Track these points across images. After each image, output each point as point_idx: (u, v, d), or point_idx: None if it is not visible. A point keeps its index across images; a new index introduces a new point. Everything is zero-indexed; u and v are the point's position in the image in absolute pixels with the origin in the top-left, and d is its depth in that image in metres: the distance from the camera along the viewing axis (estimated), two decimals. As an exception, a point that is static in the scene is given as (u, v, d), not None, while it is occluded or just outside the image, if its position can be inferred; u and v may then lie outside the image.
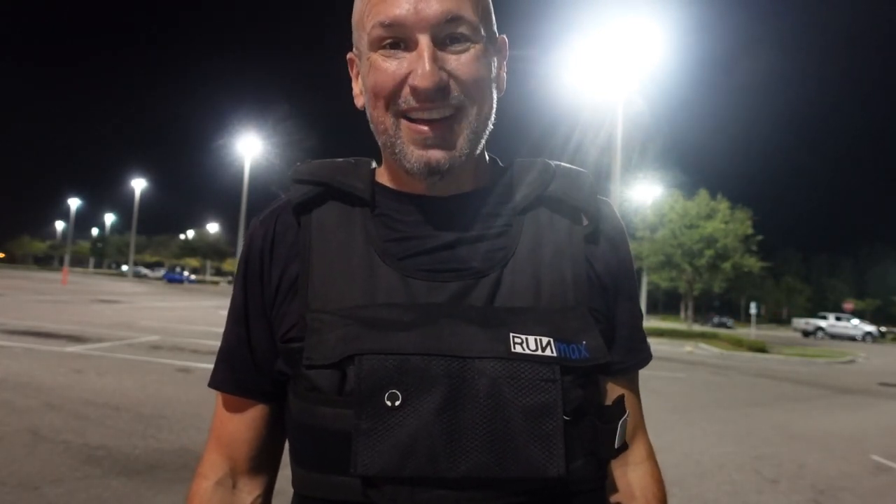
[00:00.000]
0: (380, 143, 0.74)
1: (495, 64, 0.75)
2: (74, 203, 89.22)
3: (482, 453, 0.62)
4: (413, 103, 0.68)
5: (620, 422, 0.71)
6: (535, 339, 0.66)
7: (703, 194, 29.72)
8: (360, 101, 0.77)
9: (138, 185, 64.82)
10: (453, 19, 0.67)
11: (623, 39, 17.36)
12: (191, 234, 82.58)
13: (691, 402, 8.76)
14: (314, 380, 0.66)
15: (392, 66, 0.68)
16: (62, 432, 4.50)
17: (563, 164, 0.80)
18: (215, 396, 0.83)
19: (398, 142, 0.70)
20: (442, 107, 0.68)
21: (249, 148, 39.45)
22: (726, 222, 28.84)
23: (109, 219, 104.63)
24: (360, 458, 0.61)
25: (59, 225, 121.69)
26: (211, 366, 0.83)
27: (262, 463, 0.82)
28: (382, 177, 0.79)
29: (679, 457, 5.26)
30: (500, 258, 0.72)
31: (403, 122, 0.69)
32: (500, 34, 0.78)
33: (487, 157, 0.80)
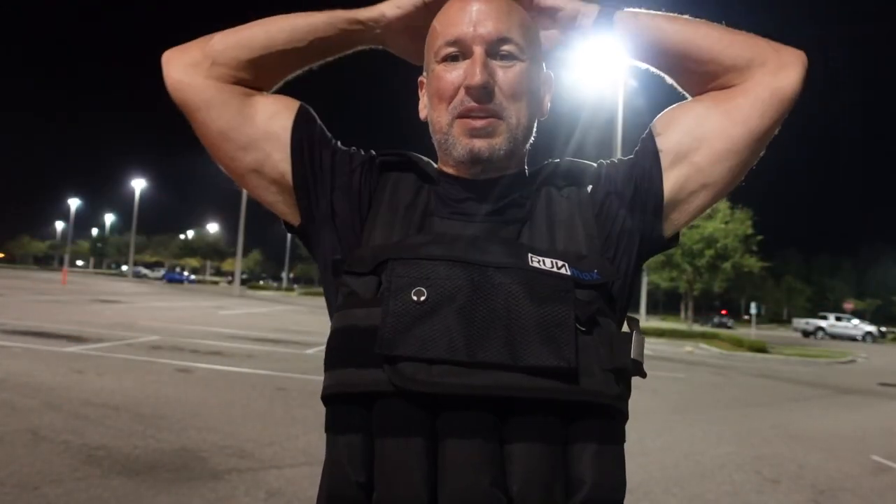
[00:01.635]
0: (435, 142, 0.88)
1: (540, 88, 0.90)
2: (74, 203, 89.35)
3: (497, 345, 0.69)
4: (468, 103, 0.81)
5: (634, 335, 0.75)
6: (552, 261, 0.75)
7: (703, 194, 29.69)
8: (423, 114, 0.92)
9: (138, 185, 64.82)
10: (503, 39, 0.82)
11: (623, 39, 17.32)
12: (191, 234, 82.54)
13: (691, 402, 8.76)
14: (352, 285, 0.76)
15: (452, 75, 0.83)
16: (62, 432, 4.50)
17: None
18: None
19: (450, 137, 0.84)
20: (487, 106, 0.81)
21: (249, 148, 39.34)
22: (726, 222, 28.81)
23: (109, 219, 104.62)
24: (385, 337, 0.69)
25: (59, 225, 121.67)
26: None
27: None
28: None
29: (679, 457, 5.26)
30: (521, 217, 0.85)
31: (457, 121, 0.83)
32: (547, 69, 0.94)
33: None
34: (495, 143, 0.82)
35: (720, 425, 6.92)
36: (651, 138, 0.88)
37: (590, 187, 0.88)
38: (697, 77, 0.89)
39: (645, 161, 0.87)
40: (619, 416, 0.74)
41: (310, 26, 0.89)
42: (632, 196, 0.86)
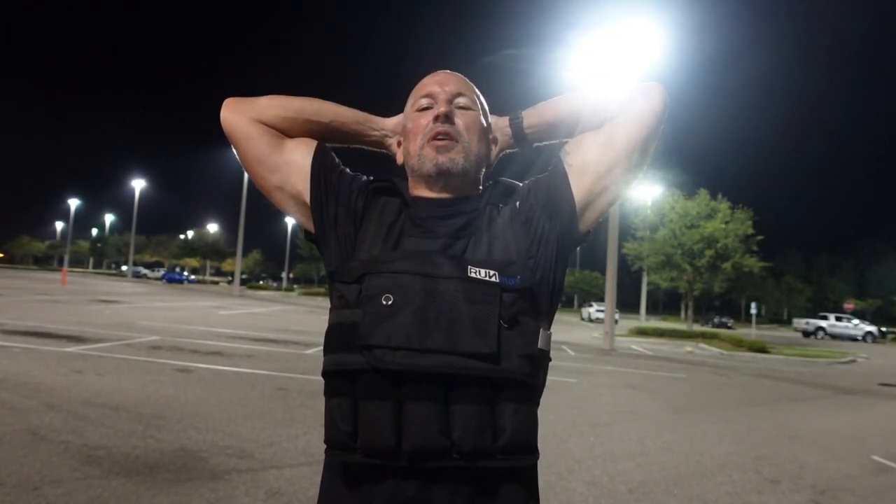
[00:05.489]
0: (409, 168, 1.15)
1: (488, 137, 1.18)
2: (74, 203, 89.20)
3: (441, 336, 0.93)
4: (435, 129, 1.09)
5: (541, 332, 1.00)
6: (486, 271, 0.98)
7: (703, 194, 29.63)
8: (400, 160, 1.20)
9: (138, 185, 64.67)
10: (460, 94, 1.15)
11: (623, 39, 17.35)
12: (190, 234, 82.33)
13: (691, 402, 8.76)
14: (343, 291, 1.01)
15: (424, 117, 1.13)
16: (62, 432, 4.49)
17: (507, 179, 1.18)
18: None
19: (421, 156, 1.10)
20: (449, 130, 1.10)
21: (249, 148, 39.27)
22: (727, 222, 28.77)
23: (109, 219, 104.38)
24: (363, 332, 0.94)
25: (59, 225, 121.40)
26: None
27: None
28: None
29: (679, 457, 5.26)
30: (469, 234, 1.08)
31: (426, 144, 1.10)
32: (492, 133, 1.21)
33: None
34: (454, 156, 1.08)
35: (720, 425, 6.92)
36: (560, 161, 1.14)
37: (518, 202, 1.12)
38: (595, 124, 1.15)
39: (558, 178, 1.12)
40: (531, 387, 0.98)
41: (335, 110, 1.20)
42: (550, 206, 1.10)
